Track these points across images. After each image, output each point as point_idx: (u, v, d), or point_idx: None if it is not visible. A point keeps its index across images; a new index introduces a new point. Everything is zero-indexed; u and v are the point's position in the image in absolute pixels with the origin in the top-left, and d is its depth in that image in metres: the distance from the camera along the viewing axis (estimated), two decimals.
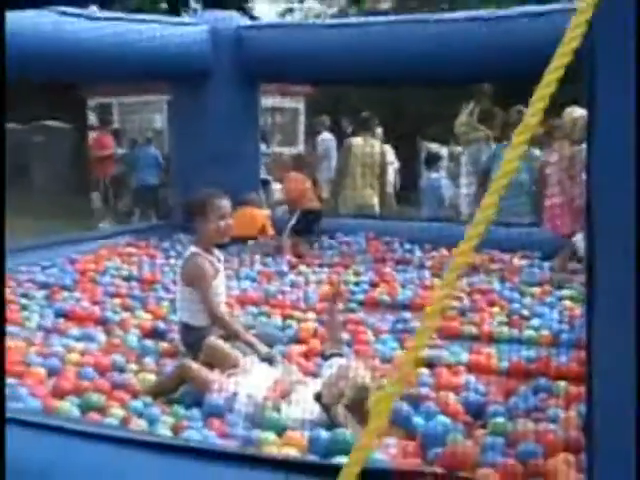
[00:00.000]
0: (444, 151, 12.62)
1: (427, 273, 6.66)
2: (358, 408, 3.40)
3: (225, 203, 4.69)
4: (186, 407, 3.68)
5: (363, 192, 9.45)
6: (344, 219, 8.84)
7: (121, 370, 4.20)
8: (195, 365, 3.93)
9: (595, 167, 1.86)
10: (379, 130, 12.47)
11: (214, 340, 4.22)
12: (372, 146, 9.54)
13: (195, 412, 3.59)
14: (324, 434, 3.24)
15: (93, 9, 7.55)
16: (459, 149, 12.16)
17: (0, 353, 2.79)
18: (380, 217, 9.34)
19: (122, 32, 7.46)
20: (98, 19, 7.50)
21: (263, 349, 4.28)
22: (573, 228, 6.11)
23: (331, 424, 3.37)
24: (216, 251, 4.75)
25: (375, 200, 9.57)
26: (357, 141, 9.55)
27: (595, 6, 1.61)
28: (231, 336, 4.38)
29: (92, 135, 16.19)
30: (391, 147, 12.88)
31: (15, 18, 5.17)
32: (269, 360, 4.15)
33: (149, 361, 4.36)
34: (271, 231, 7.97)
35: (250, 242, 7.62)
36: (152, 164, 14.76)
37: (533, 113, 1.64)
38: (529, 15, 7.17)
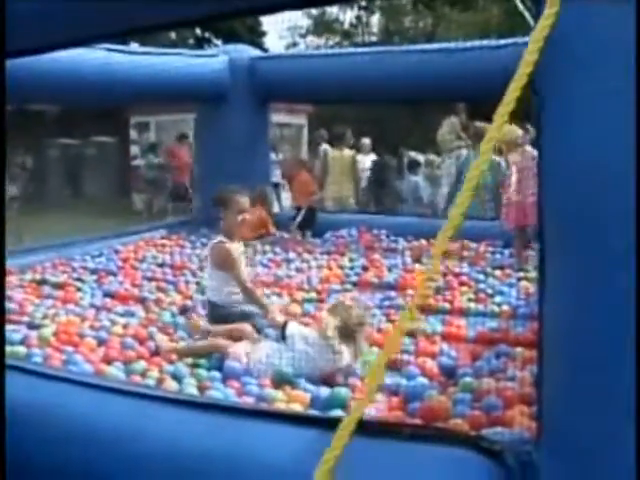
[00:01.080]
0: (421, 158, 12.59)
1: (409, 259, 6.65)
2: (345, 322, 3.62)
3: (243, 200, 4.63)
4: (207, 370, 3.69)
5: (338, 187, 9.97)
6: (340, 214, 8.89)
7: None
8: (224, 342, 3.94)
9: (544, 170, 1.86)
10: (367, 141, 12.51)
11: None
12: (343, 154, 10.03)
13: (215, 374, 3.60)
14: (324, 392, 3.25)
15: (134, 46, 7.56)
16: (433, 157, 12.19)
17: (0, 351, 2.75)
18: (370, 212, 9.41)
19: (157, 63, 7.45)
20: (138, 53, 7.53)
21: (280, 318, 4.14)
22: (526, 221, 6.09)
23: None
24: (237, 243, 4.71)
25: (349, 193, 10.11)
26: (332, 150, 10.10)
27: (544, 42, 1.61)
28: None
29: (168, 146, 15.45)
30: (376, 155, 12.91)
31: (67, 53, 5.16)
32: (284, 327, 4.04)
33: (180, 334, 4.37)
34: (273, 230, 7.92)
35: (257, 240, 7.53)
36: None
37: (496, 127, 1.64)
38: (490, 47, 7.15)
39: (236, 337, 4.04)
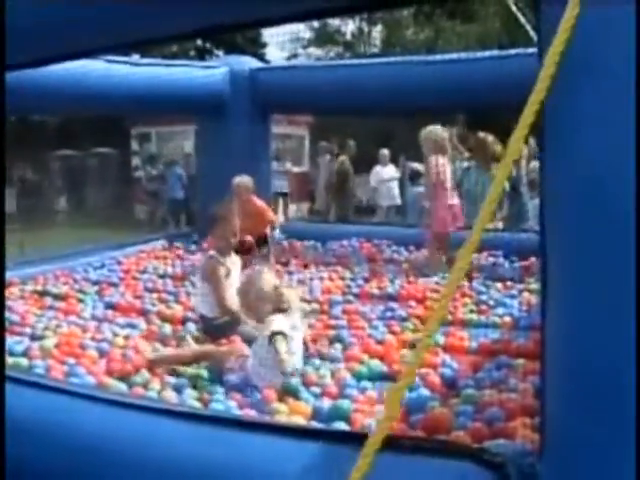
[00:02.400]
0: (422, 168, 12.68)
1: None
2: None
3: (235, 221, 4.84)
4: (209, 382, 3.68)
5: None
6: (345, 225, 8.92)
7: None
8: (214, 349, 4.02)
9: (546, 181, 1.86)
10: (385, 151, 12.84)
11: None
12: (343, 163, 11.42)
13: (216, 386, 3.60)
14: (326, 404, 3.25)
15: (135, 57, 7.57)
16: None
17: (0, 353, 2.74)
18: (372, 223, 9.43)
19: (158, 74, 7.48)
20: (139, 64, 7.55)
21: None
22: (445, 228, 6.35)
23: None
24: (233, 256, 4.81)
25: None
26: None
27: (558, 64, 1.60)
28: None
29: None
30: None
31: (68, 64, 5.19)
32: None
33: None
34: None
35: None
36: (177, 182, 14.68)
37: (511, 153, 1.64)
38: (492, 58, 7.17)
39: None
